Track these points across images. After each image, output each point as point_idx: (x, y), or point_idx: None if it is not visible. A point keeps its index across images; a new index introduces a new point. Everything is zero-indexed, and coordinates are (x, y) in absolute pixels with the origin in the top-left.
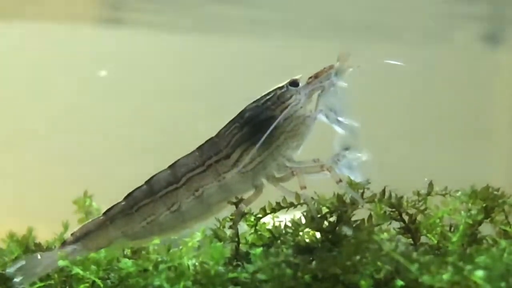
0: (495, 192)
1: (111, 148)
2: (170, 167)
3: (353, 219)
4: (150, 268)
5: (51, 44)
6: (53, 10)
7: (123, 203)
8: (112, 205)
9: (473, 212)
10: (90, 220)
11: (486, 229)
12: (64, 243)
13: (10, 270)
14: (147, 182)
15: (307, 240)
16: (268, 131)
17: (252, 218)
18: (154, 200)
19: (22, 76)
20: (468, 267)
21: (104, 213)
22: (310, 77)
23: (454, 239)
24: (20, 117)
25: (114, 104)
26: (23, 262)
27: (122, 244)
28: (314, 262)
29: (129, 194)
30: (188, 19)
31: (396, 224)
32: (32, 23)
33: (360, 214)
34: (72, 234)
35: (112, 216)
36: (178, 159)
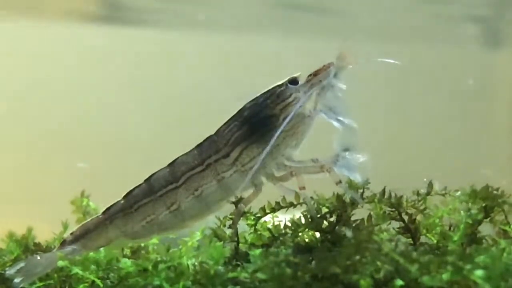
0: (495, 192)
1: (110, 147)
2: (169, 165)
3: (352, 219)
4: (150, 267)
5: (50, 42)
6: (52, 9)
7: (122, 202)
8: (111, 204)
9: (473, 211)
10: (89, 219)
11: (486, 229)
12: (63, 243)
13: (10, 271)
14: (146, 180)
15: (307, 240)
16: (276, 136)
17: (252, 218)
18: (153, 199)
19: (22, 75)
20: (468, 266)
21: (103, 212)
22: (310, 75)
23: (455, 238)
24: (19, 118)
25: (112, 103)
26: (22, 264)
27: (121, 243)
28: (313, 262)
29: (129, 193)
30: (187, 18)
31: (395, 224)
32: (31, 22)
33: (359, 214)
34: (71, 234)
35: (112, 215)
36: (177, 157)
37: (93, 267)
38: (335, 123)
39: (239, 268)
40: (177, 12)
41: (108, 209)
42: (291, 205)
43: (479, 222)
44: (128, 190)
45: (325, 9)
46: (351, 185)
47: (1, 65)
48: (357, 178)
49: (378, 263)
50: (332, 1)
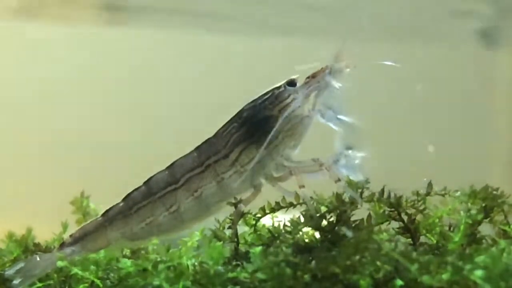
0: (495, 192)
1: (110, 148)
2: (168, 167)
3: (352, 218)
4: (150, 268)
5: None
6: (54, 12)
7: (121, 204)
8: (110, 206)
9: (473, 212)
10: (88, 221)
11: (486, 229)
12: (62, 245)
13: (9, 272)
14: (145, 183)
15: (307, 240)
16: (272, 133)
17: (252, 218)
18: (152, 201)
19: (23, 76)
20: (468, 266)
21: (103, 215)
22: (308, 77)
23: (456, 239)
24: (20, 118)
25: (110, 104)
26: (22, 264)
27: (121, 245)
28: (313, 262)
29: (128, 195)
30: (186, 18)
31: (395, 224)
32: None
33: (359, 213)
34: (70, 236)
35: (111, 217)
36: (176, 160)
37: (92, 267)
38: (333, 125)
39: (239, 268)
40: (178, 12)
41: (107, 211)
42: (291, 205)
43: (479, 223)
44: (128, 191)
45: (324, 9)
46: (351, 184)
47: (2, 66)
48: (358, 177)
49: (378, 263)
50: (332, 0)
